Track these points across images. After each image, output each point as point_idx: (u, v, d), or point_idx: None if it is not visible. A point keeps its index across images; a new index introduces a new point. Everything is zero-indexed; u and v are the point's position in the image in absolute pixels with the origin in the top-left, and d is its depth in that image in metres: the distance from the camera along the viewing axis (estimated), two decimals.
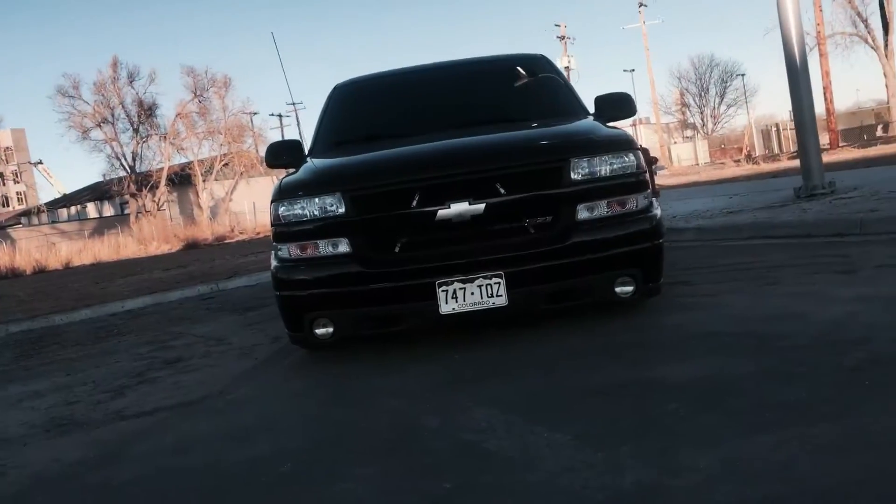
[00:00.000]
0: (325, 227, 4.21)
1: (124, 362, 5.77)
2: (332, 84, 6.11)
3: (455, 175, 4.10)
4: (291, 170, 4.85)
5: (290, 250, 4.31)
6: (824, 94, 29.69)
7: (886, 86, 34.56)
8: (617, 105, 5.55)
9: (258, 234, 38.49)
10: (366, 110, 5.82)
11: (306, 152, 5.73)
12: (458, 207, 4.07)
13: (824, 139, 33.84)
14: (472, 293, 4.05)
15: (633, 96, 5.65)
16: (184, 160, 47.37)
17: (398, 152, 4.56)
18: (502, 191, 4.09)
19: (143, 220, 39.12)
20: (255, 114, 50.44)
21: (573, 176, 4.14)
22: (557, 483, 2.39)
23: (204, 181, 46.41)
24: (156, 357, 5.76)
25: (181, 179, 46.58)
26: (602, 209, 4.19)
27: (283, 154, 5.58)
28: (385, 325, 4.26)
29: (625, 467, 2.42)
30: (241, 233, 39.85)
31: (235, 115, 47.72)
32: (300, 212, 4.26)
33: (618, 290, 4.20)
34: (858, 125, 37.32)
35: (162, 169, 44.92)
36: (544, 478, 2.44)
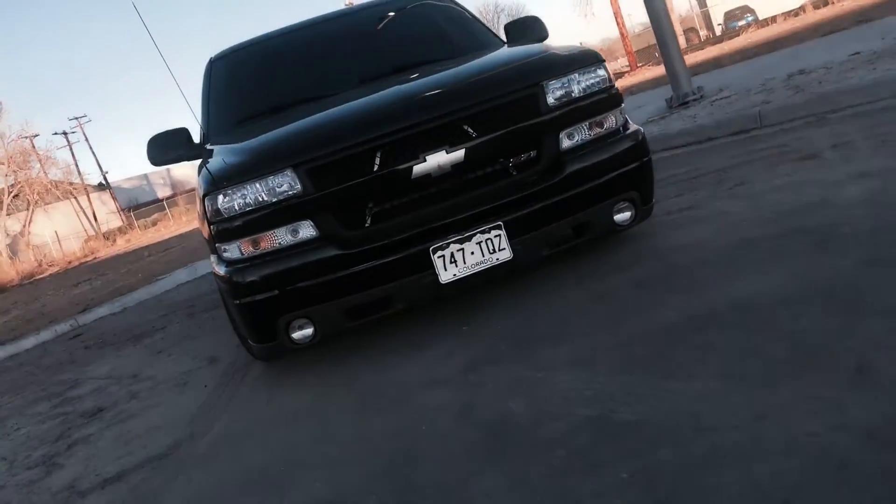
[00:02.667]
0: (281, 212, 3.52)
1: (27, 427, 4.80)
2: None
3: (425, 123, 3.51)
4: (214, 157, 4.06)
5: (242, 247, 3.59)
6: (616, 19, 30.76)
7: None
8: (529, 30, 5.15)
9: (70, 263, 35.65)
10: (261, 79, 5.07)
11: (198, 140, 4.97)
12: (436, 158, 3.51)
13: (623, 62, 35.20)
14: (472, 252, 3.52)
15: None
16: None
17: (346, 109, 3.91)
18: (479, 131, 3.56)
19: None
20: (36, 136, 46.35)
21: (549, 101, 3.67)
22: (795, 440, 1.95)
23: None
24: (65, 412, 4.82)
25: None
26: (585, 133, 3.76)
27: (169, 146, 4.81)
28: (375, 310, 3.63)
29: (845, 404, 2.00)
30: (50, 265, 36.76)
31: (15, 140, 43.66)
32: (245, 200, 3.53)
33: (617, 218, 3.80)
34: (646, 45, 39.01)
35: None
36: (751, 438, 1.99)
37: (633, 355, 2.69)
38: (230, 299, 3.73)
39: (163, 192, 64.40)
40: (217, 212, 3.58)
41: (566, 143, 3.72)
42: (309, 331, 3.63)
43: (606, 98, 3.81)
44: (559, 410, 2.45)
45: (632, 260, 3.81)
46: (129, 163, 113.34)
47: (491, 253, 3.53)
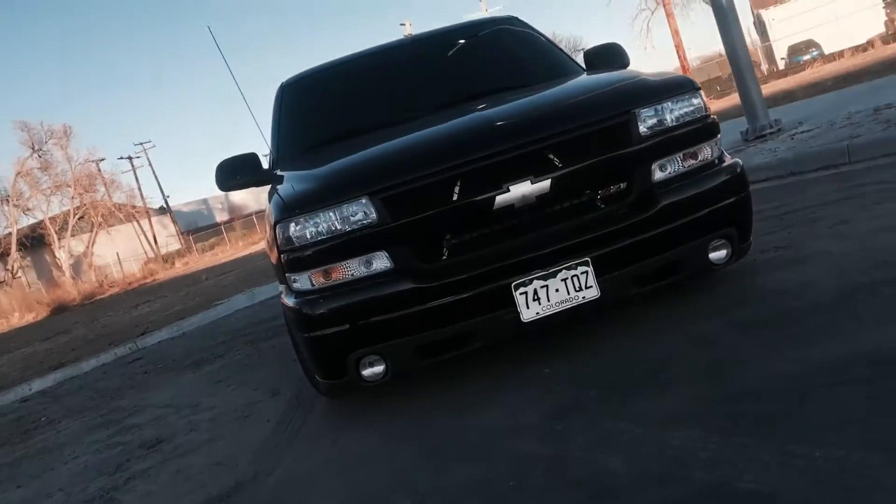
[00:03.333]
0: (355, 242, 3.33)
1: (85, 455, 4.67)
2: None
3: (510, 150, 3.30)
4: (285, 184, 3.90)
5: (313, 278, 3.41)
6: (677, 51, 30.45)
7: None
8: (610, 57, 4.92)
9: (130, 284, 36.25)
10: (332, 104, 4.93)
11: (267, 165, 4.84)
12: (520, 189, 3.29)
13: None
14: (557, 289, 3.28)
15: None
16: (32, 220, 43.99)
17: (424, 136, 3.72)
18: (566, 160, 3.34)
19: None
20: (102, 160, 47.46)
21: (642, 129, 3.44)
22: None
23: (59, 239, 43.24)
24: (123, 442, 4.68)
25: (33, 241, 43.18)
26: (678, 164, 3.51)
27: (238, 171, 4.69)
28: (450, 348, 3.41)
29: None
30: (111, 286, 37.40)
31: (82, 164, 44.80)
32: (318, 228, 3.36)
33: (712, 256, 3.53)
34: (706, 78, 38.56)
35: (9, 234, 41.48)
36: None
37: (750, 413, 2.41)
38: (298, 332, 3.55)
39: (220, 217, 65.34)
40: (288, 240, 3.41)
41: (658, 174, 3.47)
42: (380, 368, 3.43)
43: (702, 128, 3.56)
44: (669, 473, 2.19)
45: (731, 302, 3.53)
46: (189, 187, 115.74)
47: (577, 291, 3.29)
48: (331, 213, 3.34)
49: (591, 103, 3.57)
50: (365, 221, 3.31)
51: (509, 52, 5.03)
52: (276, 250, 3.56)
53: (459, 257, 3.37)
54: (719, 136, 3.65)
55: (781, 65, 40.07)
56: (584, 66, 4.97)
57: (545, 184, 3.30)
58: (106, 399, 6.40)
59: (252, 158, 4.72)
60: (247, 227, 56.37)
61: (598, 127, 3.39)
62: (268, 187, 5.48)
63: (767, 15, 46.97)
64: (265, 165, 4.82)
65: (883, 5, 36.66)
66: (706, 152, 3.56)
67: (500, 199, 3.28)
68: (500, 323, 3.31)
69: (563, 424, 2.78)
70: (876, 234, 3.86)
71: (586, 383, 3.09)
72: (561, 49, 5.15)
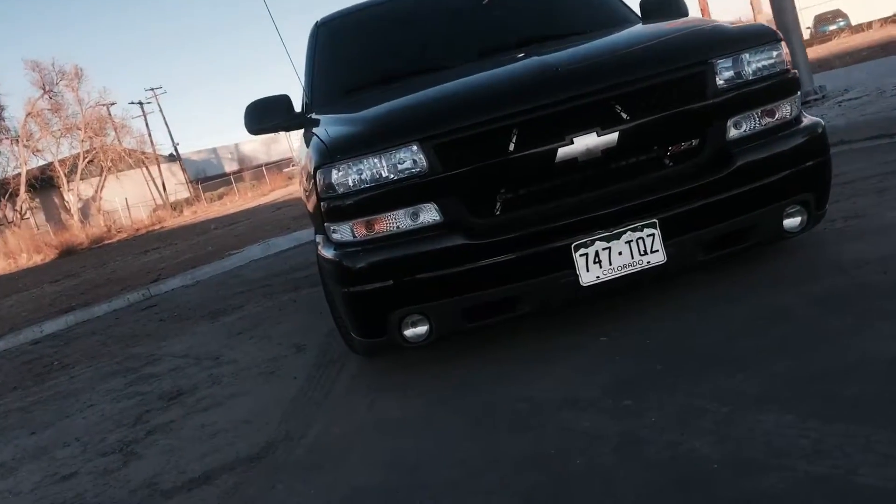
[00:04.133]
0: (403, 192, 3.08)
1: (102, 404, 4.48)
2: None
3: (576, 98, 3.03)
4: (322, 127, 3.63)
5: (356, 229, 3.16)
6: (701, 15, 29.79)
7: None
8: (668, 7, 4.61)
9: (138, 231, 36.10)
10: (371, 46, 4.64)
11: (299, 108, 4.58)
12: (585, 141, 3.03)
13: None
14: (621, 252, 3.04)
15: None
16: (42, 162, 43.72)
17: (479, 81, 3.45)
18: (636, 112, 3.08)
19: (7, 231, 35.80)
20: (113, 104, 47.01)
21: (718, 82, 3.15)
22: None
23: (69, 182, 43.01)
24: (142, 392, 4.49)
25: (42, 183, 42.95)
26: (756, 122, 3.24)
27: (269, 113, 4.41)
28: (500, 311, 3.18)
29: None
30: (119, 231, 37.26)
31: (93, 107, 44.38)
32: (363, 175, 3.10)
33: (786, 223, 3.27)
34: None
35: (19, 175, 41.23)
36: None
37: (848, 396, 2.18)
38: (337, 286, 3.31)
39: (230, 167, 65.06)
40: (329, 186, 3.16)
41: (734, 132, 3.20)
42: (423, 329, 3.20)
43: (782, 82, 3.27)
44: (769, 461, 1.96)
45: (806, 274, 3.27)
46: (199, 135, 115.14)
47: (642, 255, 3.04)
48: (377, 160, 3.08)
49: (665, 51, 3.28)
50: (414, 170, 3.06)
51: None
52: (314, 197, 3.32)
53: (515, 213, 3.12)
54: (799, 93, 3.36)
55: (807, 34, 39.24)
56: (640, 15, 4.66)
57: (612, 137, 3.04)
58: (120, 345, 6.21)
59: (284, 100, 4.45)
60: (256, 179, 56.10)
61: (672, 76, 3.11)
62: (298, 133, 5.24)
63: None
64: (297, 109, 4.56)
65: None
66: (785, 110, 3.29)
67: (563, 151, 3.02)
68: (556, 286, 3.07)
69: (630, 399, 2.55)
70: None
71: (650, 356, 2.86)
72: None
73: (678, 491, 1.96)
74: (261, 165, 60.79)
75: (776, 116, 3.26)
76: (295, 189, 39.28)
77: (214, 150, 66.55)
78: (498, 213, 3.12)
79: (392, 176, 3.08)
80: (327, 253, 3.30)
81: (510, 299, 3.14)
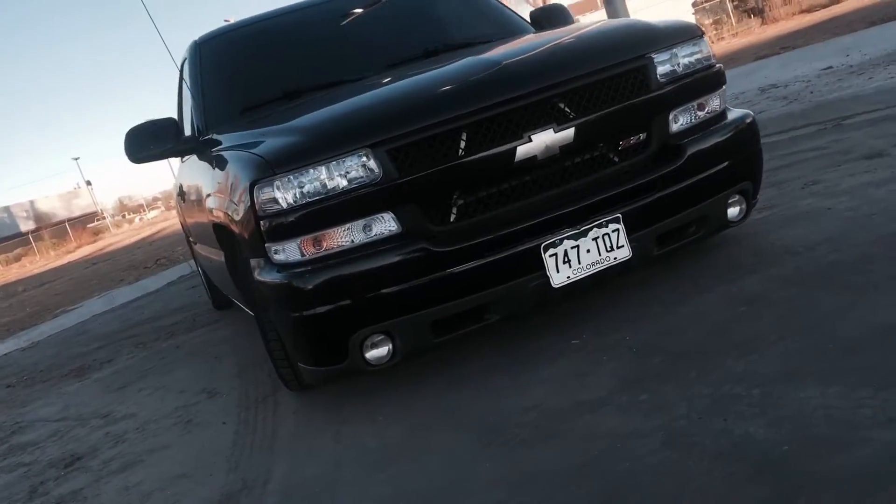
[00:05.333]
0: (355, 202, 2.84)
1: None
2: None
3: (532, 94, 2.93)
4: (244, 142, 3.32)
5: (303, 247, 2.88)
6: None
7: None
8: (556, 19, 4.66)
9: None
10: (268, 62, 4.34)
11: (190, 132, 4.21)
12: (543, 137, 2.92)
13: None
14: (588, 250, 2.95)
15: None
16: None
17: (430, 81, 3.26)
18: (589, 107, 3.01)
19: None
20: None
21: (659, 76, 3.17)
22: None
23: None
24: (25, 463, 3.90)
25: None
26: (693, 115, 3.28)
27: (154, 140, 4.03)
28: (467, 322, 2.99)
29: None
30: None
31: None
32: (309, 188, 2.84)
33: (729, 212, 3.32)
34: None
35: None
36: None
37: (882, 363, 2.16)
38: (283, 312, 3.00)
39: (26, 226, 60.45)
40: (269, 202, 2.87)
41: (675, 125, 3.23)
42: (385, 349, 2.95)
43: (711, 76, 3.34)
44: (842, 435, 1.89)
45: (759, 260, 3.28)
46: None
47: (608, 251, 2.97)
48: (324, 170, 2.84)
49: (608, 46, 3.25)
50: (366, 178, 2.83)
51: (453, 8, 4.66)
52: (246, 217, 3.01)
53: (478, 217, 2.96)
54: (725, 86, 3.44)
55: None
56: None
57: (568, 133, 2.96)
58: None
59: (170, 124, 4.08)
60: (57, 236, 52.47)
61: (619, 70, 3.09)
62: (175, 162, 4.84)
63: None
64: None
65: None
66: (714, 102, 3.35)
67: (522, 149, 2.91)
68: (527, 290, 2.93)
69: (645, 395, 2.43)
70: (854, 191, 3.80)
71: (639, 352, 2.76)
72: (507, 7, 4.81)
73: (759, 478, 1.84)
74: (62, 222, 57.04)
75: (707, 109, 3.32)
76: (105, 244, 37.04)
77: (7, 209, 61.65)
78: (460, 218, 2.95)
79: (342, 186, 2.83)
80: (268, 277, 2.98)
81: (478, 308, 2.97)
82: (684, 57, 3.25)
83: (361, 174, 2.83)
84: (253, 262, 3.11)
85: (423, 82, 3.26)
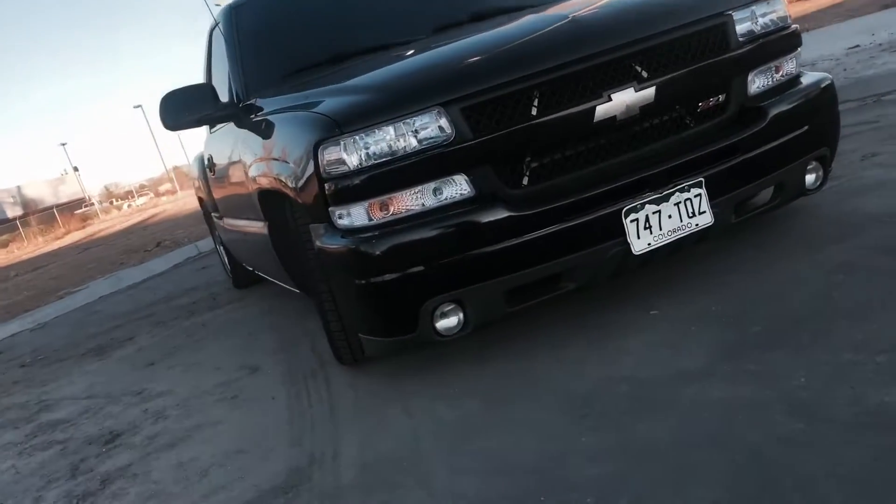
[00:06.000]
0: (427, 163, 2.68)
1: (8, 461, 3.68)
2: None
3: (610, 52, 2.78)
4: (301, 104, 3.17)
5: (371, 211, 2.73)
6: None
7: None
8: None
9: None
10: (308, 27, 4.17)
11: (230, 98, 4.04)
12: (623, 97, 2.77)
13: None
14: (670, 215, 2.81)
15: None
16: None
17: (504, 37, 3.10)
18: (668, 66, 2.87)
19: None
20: None
21: (738, 34, 3.02)
22: None
23: None
24: (59, 441, 3.74)
25: None
26: (771, 76, 3.14)
27: (192, 106, 3.86)
28: (541, 291, 2.85)
29: None
30: None
31: None
32: (378, 148, 2.68)
33: (807, 179, 3.19)
34: None
35: None
36: None
37: None
38: (348, 279, 2.85)
39: (13, 212, 59.90)
40: (335, 163, 2.71)
41: (754, 87, 3.09)
42: (455, 319, 2.81)
43: (787, 36, 3.19)
44: None
45: (841, 230, 3.14)
46: None
47: (690, 217, 2.83)
48: (393, 129, 2.68)
49: (687, 3, 3.08)
50: (439, 138, 2.68)
51: None
52: (309, 180, 2.85)
53: (556, 180, 2.81)
54: (801, 48, 3.30)
55: None
56: None
57: (649, 92, 2.81)
58: None
59: (207, 90, 3.93)
60: (45, 222, 51.94)
61: (700, 27, 2.94)
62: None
63: None
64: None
65: None
66: (791, 65, 3.22)
67: (601, 109, 2.76)
68: (606, 258, 2.79)
69: (752, 364, 2.30)
70: None
71: (734, 320, 2.62)
72: None
73: None
74: (49, 208, 56.54)
75: (783, 72, 3.19)
76: (95, 230, 36.60)
77: None
78: (536, 181, 2.80)
79: (412, 146, 2.68)
80: (332, 243, 2.84)
81: (553, 276, 2.83)
82: (762, 16, 3.11)
83: (433, 134, 2.68)
84: (314, 227, 2.96)
85: (496, 39, 3.10)
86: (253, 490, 2.55)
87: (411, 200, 2.72)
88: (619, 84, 2.77)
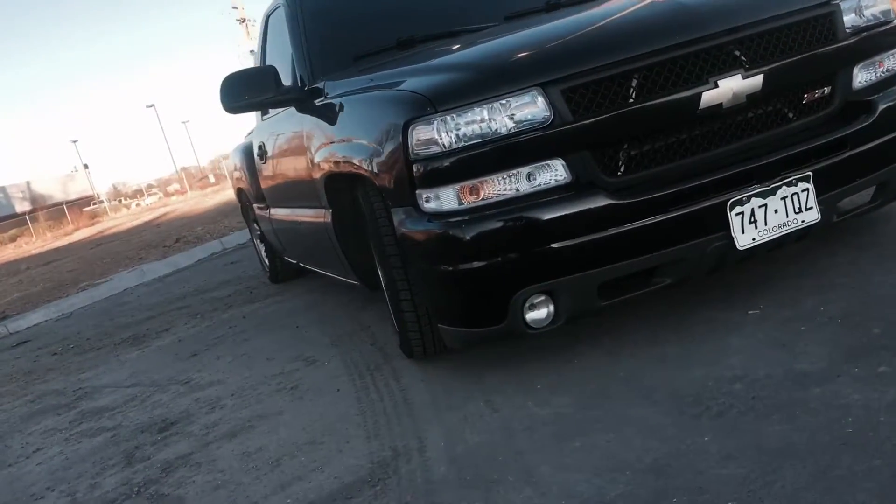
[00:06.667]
0: (524, 146, 2.56)
1: (52, 447, 3.56)
2: None
3: (717, 37, 2.65)
4: (382, 82, 3.06)
5: (462, 194, 2.59)
6: None
7: None
8: None
9: None
10: (375, 10, 4.05)
11: (294, 81, 3.91)
12: (730, 84, 2.64)
13: None
14: (776, 210, 2.67)
15: None
16: None
17: (599, 17, 2.97)
18: (776, 55, 2.73)
19: None
20: None
21: (845, 25, 2.90)
22: None
23: None
24: (108, 427, 3.61)
25: None
26: (874, 71, 3.01)
27: (254, 88, 3.76)
28: (635, 285, 2.72)
29: None
30: None
31: None
32: (473, 128, 2.55)
33: None
34: None
35: None
36: None
37: None
38: (434, 265, 2.72)
39: (21, 207, 59.97)
40: (426, 143, 2.59)
41: (857, 81, 2.95)
42: (544, 311, 2.67)
43: (891, 32, 3.06)
44: None
45: None
46: None
47: (796, 213, 2.69)
48: (488, 109, 2.55)
49: None
50: (536, 120, 2.55)
51: None
52: (394, 161, 2.73)
53: (658, 168, 2.68)
54: None
55: None
56: None
57: (757, 80, 2.67)
58: (18, 382, 5.12)
59: (270, 72, 3.81)
60: (53, 218, 51.90)
61: (808, 15, 2.81)
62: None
63: None
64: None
65: None
66: (892, 60, 3.08)
67: (707, 96, 2.62)
68: (706, 252, 2.65)
69: (884, 366, 2.15)
70: None
71: (850, 321, 2.48)
72: None
73: None
74: (59, 204, 56.54)
75: (885, 67, 3.05)
76: (105, 227, 36.46)
77: (3, 190, 61.16)
78: (636, 169, 2.66)
79: (508, 128, 2.55)
80: (417, 227, 2.71)
81: (649, 271, 2.69)
82: (866, 8, 2.99)
83: (531, 116, 2.55)
84: (395, 212, 2.83)
85: (596, 19, 2.96)
86: (334, 482, 2.41)
87: (504, 184, 2.59)
88: (726, 70, 2.64)
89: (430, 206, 2.65)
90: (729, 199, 2.60)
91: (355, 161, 3.05)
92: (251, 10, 43.41)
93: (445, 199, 2.62)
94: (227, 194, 32.22)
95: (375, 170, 2.87)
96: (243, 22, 44.83)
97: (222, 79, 3.81)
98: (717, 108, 2.64)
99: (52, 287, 11.62)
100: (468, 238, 2.57)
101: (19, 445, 3.71)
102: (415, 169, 2.63)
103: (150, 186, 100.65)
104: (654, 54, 2.58)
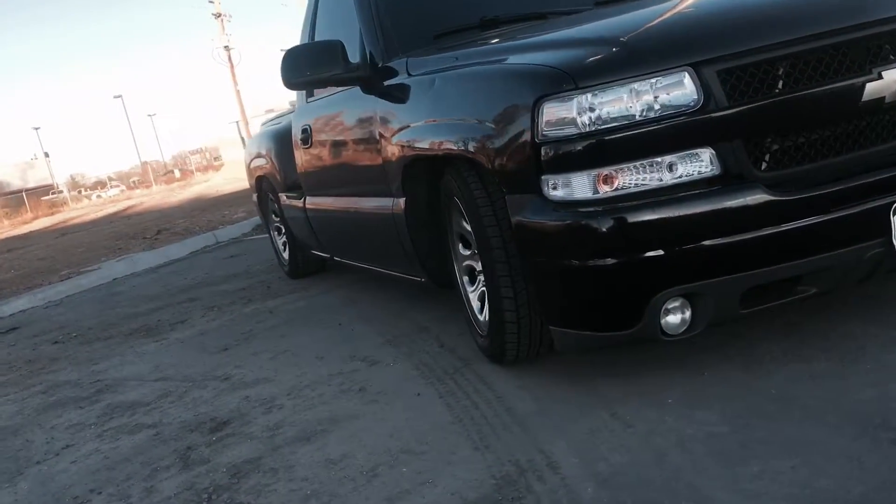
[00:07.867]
0: (670, 132, 2.29)
1: (86, 443, 3.21)
2: None
3: (884, 24, 2.42)
4: (504, 56, 2.78)
5: (597, 182, 2.32)
6: None
7: None
8: None
9: None
10: None
11: (362, 59, 3.61)
12: (894, 75, 2.41)
13: None
14: None
15: None
16: None
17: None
18: None
19: None
20: None
21: None
22: None
23: None
24: (148, 424, 3.27)
25: None
26: None
27: (318, 62, 3.49)
28: (777, 294, 2.46)
29: None
30: None
31: None
32: (613, 108, 2.29)
33: None
34: None
35: None
36: None
37: None
38: (559, 260, 2.44)
39: None
40: (559, 124, 2.31)
41: None
42: (679, 317, 2.41)
43: None
44: None
45: None
46: None
47: None
48: (632, 88, 2.29)
49: None
50: (686, 103, 2.29)
51: None
52: (515, 143, 2.45)
53: (814, 164, 2.42)
54: None
55: None
56: None
57: None
58: (22, 372, 4.72)
59: (337, 47, 3.51)
60: (10, 206, 50.59)
61: None
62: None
63: None
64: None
65: None
66: None
67: (871, 87, 2.38)
68: (861, 260, 2.41)
69: None
70: None
71: None
72: None
73: None
74: (18, 191, 55.20)
75: None
76: (67, 218, 35.45)
77: None
78: (790, 163, 2.41)
79: (654, 110, 2.29)
80: (542, 218, 2.43)
81: (795, 277, 2.43)
82: None
83: (680, 99, 2.29)
84: (512, 200, 2.54)
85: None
86: (454, 499, 2.12)
87: (645, 173, 2.32)
88: (890, 61, 2.40)
89: (558, 193, 2.37)
90: (893, 203, 2.36)
91: (452, 143, 2.76)
92: (227, 4, 42.67)
93: (578, 186, 2.34)
94: (195, 190, 31.63)
95: (485, 152, 2.58)
96: (219, 17, 44.12)
97: (284, 52, 3.54)
98: (878, 102, 2.40)
99: (25, 274, 11.09)
100: (605, 230, 2.30)
101: (43, 441, 3.35)
102: (543, 152, 2.36)
103: (110, 178, 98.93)
104: (818, 37, 2.34)
